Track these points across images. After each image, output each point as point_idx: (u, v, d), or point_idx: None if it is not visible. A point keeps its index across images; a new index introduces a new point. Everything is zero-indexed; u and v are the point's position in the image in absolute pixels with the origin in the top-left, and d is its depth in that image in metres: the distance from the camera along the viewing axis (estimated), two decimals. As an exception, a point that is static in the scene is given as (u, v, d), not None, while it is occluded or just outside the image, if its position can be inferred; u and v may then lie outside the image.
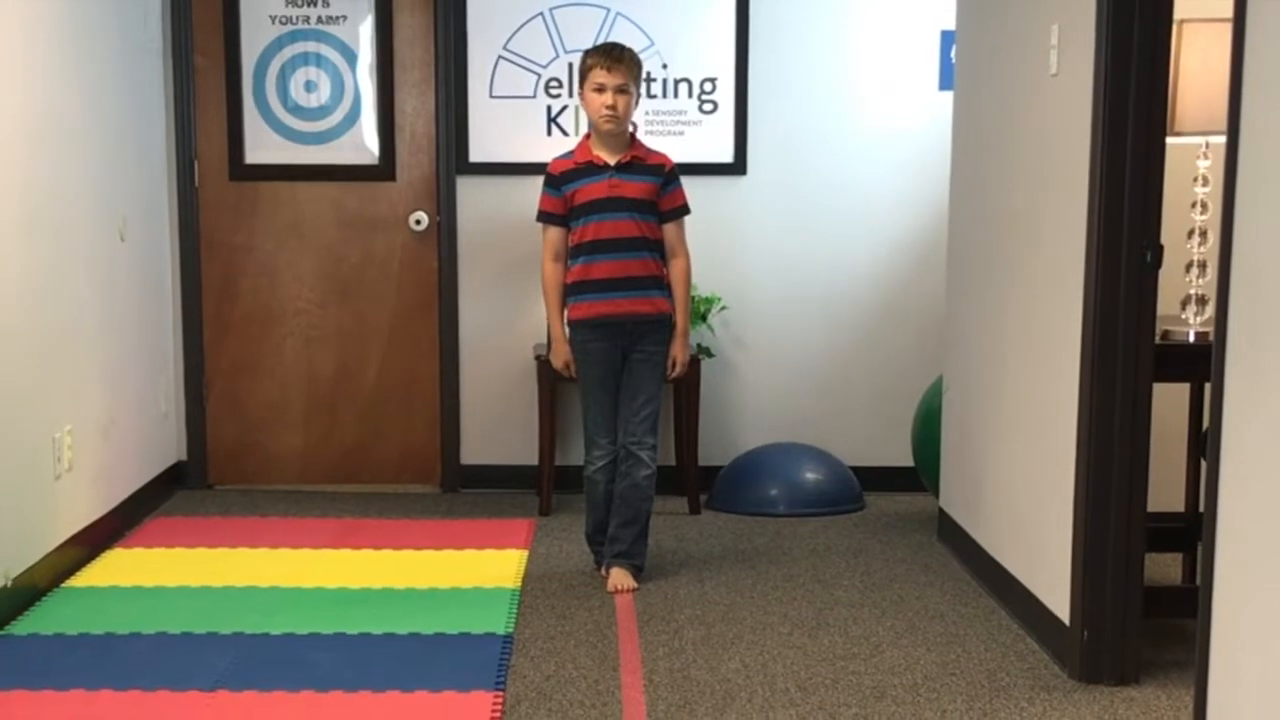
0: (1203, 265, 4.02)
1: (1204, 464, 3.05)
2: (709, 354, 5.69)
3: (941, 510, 5.18)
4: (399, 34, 5.76)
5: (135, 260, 5.37)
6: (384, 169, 5.82)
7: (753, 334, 5.88)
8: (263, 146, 5.79)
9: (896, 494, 5.82)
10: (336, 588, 4.51)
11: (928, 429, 5.36)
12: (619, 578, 4.54)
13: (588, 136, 4.55)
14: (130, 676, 3.68)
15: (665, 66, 5.71)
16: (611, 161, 4.47)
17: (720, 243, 5.71)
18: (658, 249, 4.52)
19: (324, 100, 5.79)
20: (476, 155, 5.75)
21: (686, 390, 5.51)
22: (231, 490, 5.92)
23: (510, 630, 4.11)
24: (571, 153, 4.56)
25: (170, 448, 5.83)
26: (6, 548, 4.13)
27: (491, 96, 5.73)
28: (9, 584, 4.13)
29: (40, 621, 4.14)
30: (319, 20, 5.74)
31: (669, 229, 4.54)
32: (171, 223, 5.78)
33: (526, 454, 5.77)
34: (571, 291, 4.53)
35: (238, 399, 5.93)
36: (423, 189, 5.83)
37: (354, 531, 5.22)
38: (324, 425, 5.96)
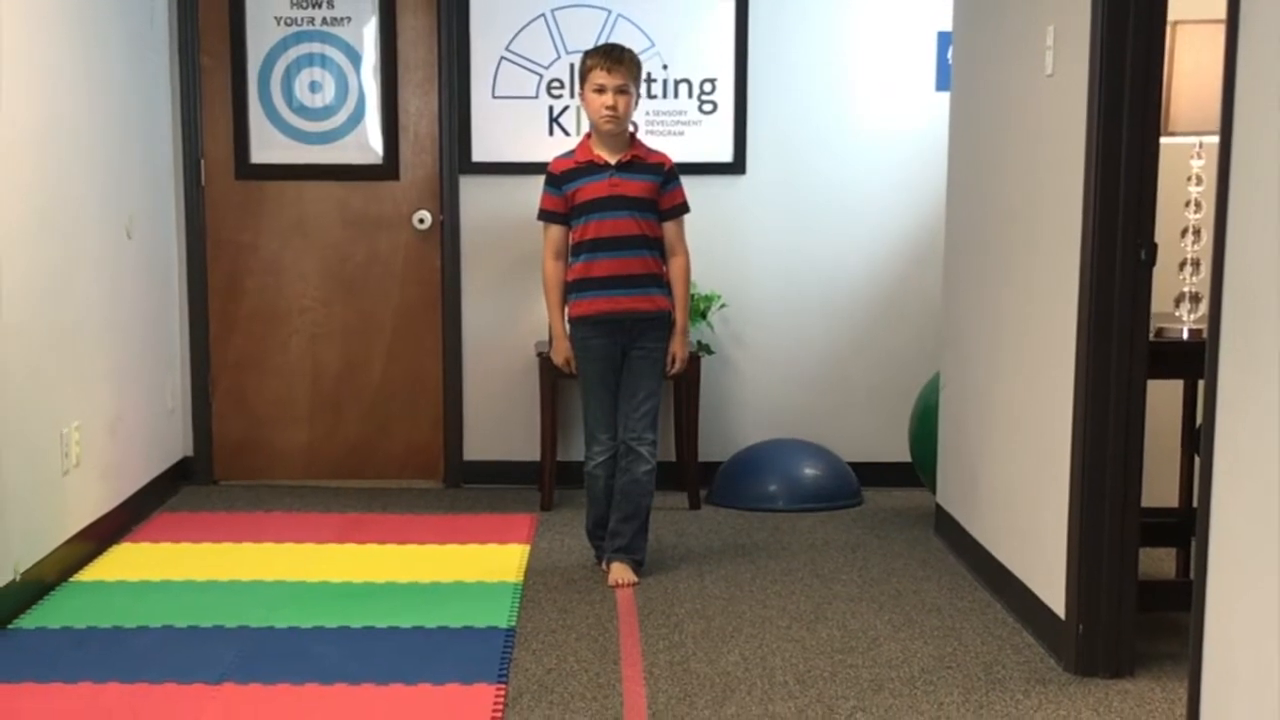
0: (1196, 263, 4.02)
1: (1198, 459, 3.03)
2: (709, 351, 5.69)
3: (938, 505, 5.18)
4: (403, 35, 5.76)
5: (142, 258, 5.37)
6: (388, 168, 5.83)
7: (752, 331, 5.89)
8: (268, 146, 5.81)
9: (894, 489, 5.83)
10: (341, 582, 4.52)
11: (925, 425, 5.37)
12: (619, 572, 4.55)
13: (588, 136, 4.56)
14: (137, 670, 3.69)
15: (665, 67, 5.72)
16: (612, 161, 4.48)
17: (719, 241, 5.72)
18: (657, 247, 4.52)
19: (329, 100, 5.80)
20: (479, 155, 5.76)
21: (686, 387, 5.52)
22: (237, 486, 5.92)
23: (512, 624, 4.12)
24: (572, 152, 4.57)
25: (177, 444, 5.84)
26: (15, 542, 4.14)
27: (494, 97, 5.74)
28: (18, 578, 4.14)
29: (48, 615, 4.14)
30: (324, 21, 5.75)
31: (669, 227, 4.54)
32: (178, 221, 5.79)
33: (528, 450, 5.78)
34: (572, 289, 4.53)
35: (243, 395, 5.94)
36: (426, 188, 5.85)
37: (358, 526, 5.23)
38: (328, 421, 5.97)
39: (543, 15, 5.71)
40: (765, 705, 3.53)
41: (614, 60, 4.43)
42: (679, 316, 4.58)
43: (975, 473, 4.71)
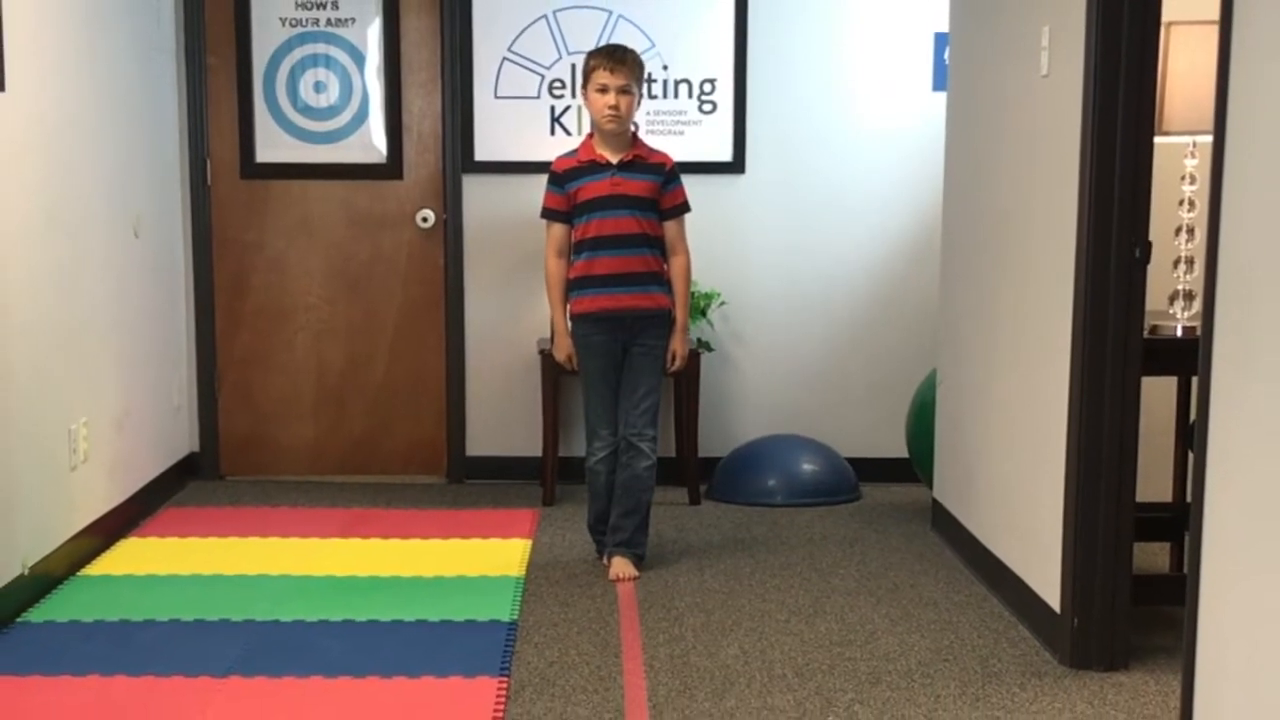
0: (1190, 261, 4.03)
1: (1191, 455, 3.03)
2: (708, 348, 5.69)
3: (935, 500, 5.18)
4: (406, 36, 5.78)
5: (149, 256, 5.38)
6: (391, 168, 5.84)
7: (751, 329, 5.90)
8: (273, 145, 5.82)
9: (891, 484, 5.83)
10: (345, 576, 4.53)
11: (922, 421, 5.37)
12: (620, 566, 4.57)
13: (591, 136, 4.57)
14: (144, 663, 3.70)
15: (666, 68, 5.72)
16: (614, 160, 4.49)
17: (719, 240, 5.72)
18: (658, 246, 4.53)
19: (333, 100, 5.81)
20: (482, 154, 5.77)
21: (687, 383, 5.52)
22: (243, 481, 5.93)
23: (515, 617, 4.12)
24: (575, 151, 4.58)
25: (183, 439, 5.85)
26: (24, 537, 4.15)
27: (496, 97, 5.75)
28: (27, 572, 4.15)
29: (57, 609, 4.15)
30: (328, 23, 5.77)
31: (669, 226, 4.55)
32: (184, 220, 5.79)
33: (530, 446, 5.79)
34: (574, 286, 4.54)
35: (249, 392, 5.95)
36: (429, 187, 5.86)
37: (362, 521, 5.23)
38: (333, 417, 5.98)
39: (544, 16, 5.73)
40: (764, 698, 3.53)
41: (617, 60, 4.44)
42: (679, 314, 4.58)
43: (971, 468, 4.72)
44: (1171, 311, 4.08)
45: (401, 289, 5.92)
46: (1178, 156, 4.13)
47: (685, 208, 4.60)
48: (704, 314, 5.69)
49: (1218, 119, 2.78)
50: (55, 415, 4.43)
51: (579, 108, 5.68)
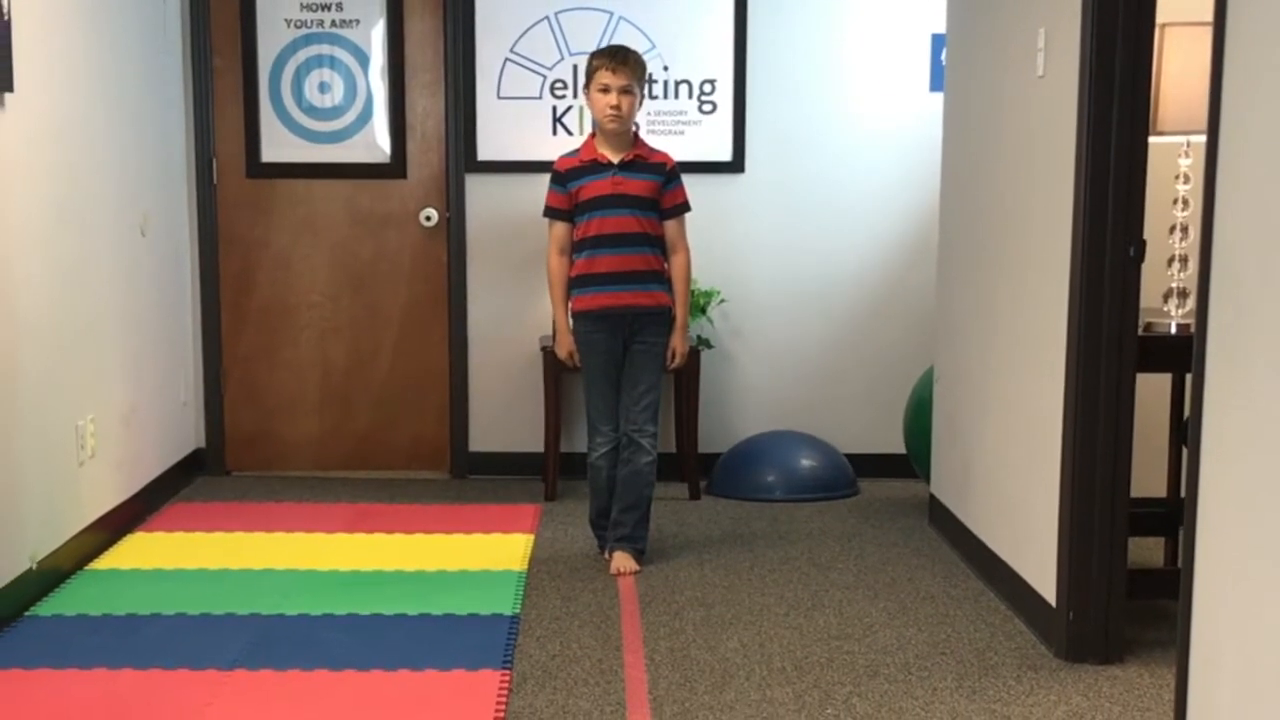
0: (1184, 260, 4.03)
1: (1185, 451, 3.04)
2: (708, 345, 5.71)
3: (932, 496, 5.19)
4: (410, 37, 5.79)
5: (156, 255, 5.40)
6: (395, 167, 5.85)
7: (751, 326, 5.91)
8: (278, 145, 5.83)
9: (889, 480, 5.84)
10: (350, 570, 4.54)
11: (919, 417, 5.38)
12: (621, 561, 4.58)
13: (593, 136, 4.59)
14: (151, 656, 3.71)
15: (666, 68, 5.74)
16: (615, 160, 4.51)
17: (719, 238, 5.74)
18: (658, 244, 4.55)
19: (338, 101, 5.83)
20: (484, 154, 5.78)
21: (687, 380, 5.53)
22: (248, 476, 5.95)
23: (517, 611, 4.14)
24: (577, 151, 4.60)
25: (189, 435, 5.87)
26: (32, 532, 4.17)
27: (499, 97, 5.77)
28: (35, 566, 4.17)
29: (64, 603, 4.17)
30: (333, 24, 5.79)
31: (670, 225, 4.57)
32: (191, 219, 5.81)
33: (532, 441, 5.80)
34: (575, 284, 4.56)
35: (254, 388, 5.97)
36: (433, 186, 5.89)
37: (366, 516, 5.24)
38: (337, 414, 6.00)
39: (546, 18, 5.74)
40: (763, 690, 3.55)
41: (618, 61, 4.46)
42: (679, 312, 4.60)
43: (968, 464, 4.73)
44: (1166, 309, 4.09)
45: (405, 287, 5.94)
46: (1172, 156, 4.13)
47: (685, 207, 4.61)
48: (704, 312, 5.70)
49: (1211, 119, 2.79)
50: (63, 411, 4.44)
51: (581, 108, 5.69)
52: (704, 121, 5.80)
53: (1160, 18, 3.73)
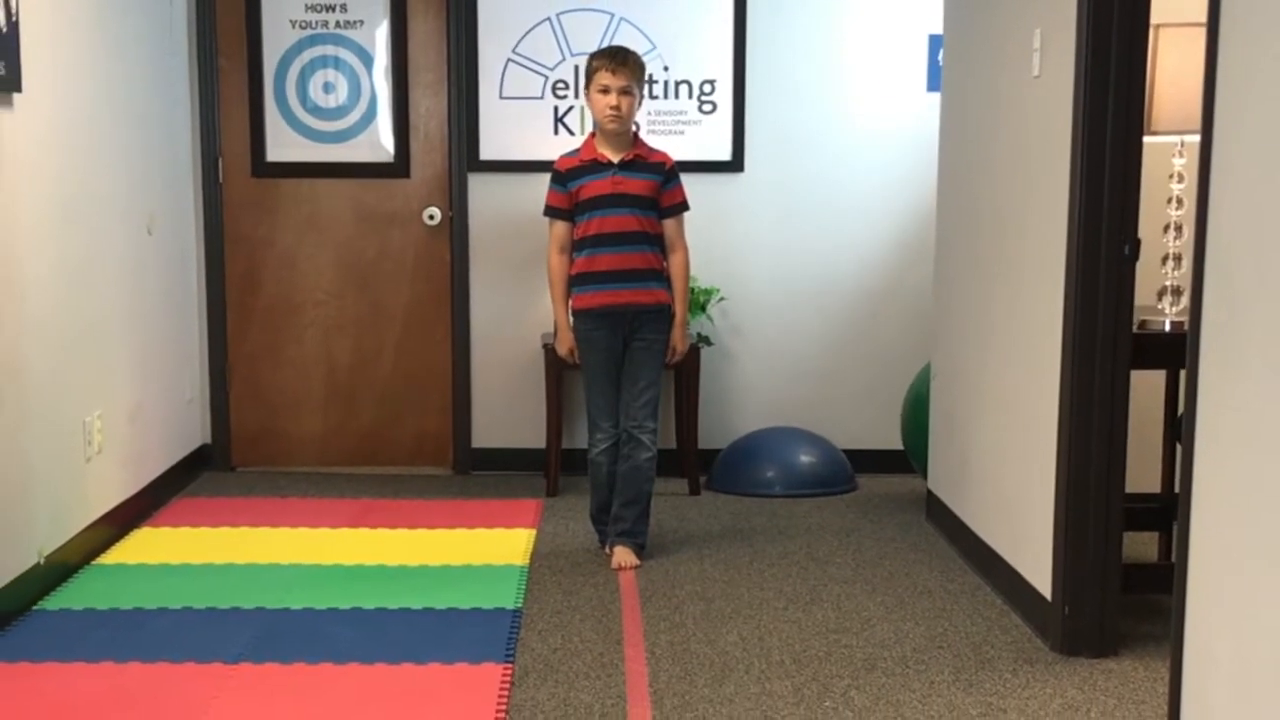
0: (1178, 258, 4.06)
1: (1179, 447, 3.05)
2: (708, 342, 5.73)
3: (929, 491, 5.20)
4: (413, 38, 5.81)
5: (162, 253, 5.42)
6: (399, 166, 5.87)
7: (750, 323, 5.93)
8: (283, 145, 5.85)
9: (887, 475, 5.85)
10: (354, 565, 4.55)
11: (917, 414, 5.40)
12: (622, 555, 4.60)
13: (593, 135, 4.60)
14: (157, 649, 3.73)
15: (666, 69, 5.75)
16: (615, 159, 4.53)
17: (719, 237, 5.76)
18: (658, 243, 4.57)
19: (342, 101, 5.85)
20: (487, 153, 5.80)
21: (687, 376, 5.55)
22: (253, 472, 5.96)
23: (519, 605, 4.15)
24: (577, 151, 4.62)
25: (195, 432, 5.89)
26: (40, 527, 4.19)
27: (501, 97, 5.79)
28: (43, 561, 4.18)
29: (72, 597, 4.18)
30: (337, 25, 5.81)
31: (669, 224, 4.58)
32: (197, 218, 5.83)
33: (534, 438, 5.82)
34: (575, 282, 4.58)
35: (259, 385, 5.99)
36: (436, 185, 5.90)
37: (370, 512, 5.25)
38: (342, 410, 6.02)
39: (548, 19, 5.76)
40: (763, 684, 3.56)
41: (618, 62, 4.48)
42: (678, 309, 4.61)
43: (965, 460, 4.74)
44: (1160, 307, 4.10)
45: (408, 285, 5.96)
46: (1166, 156, 4.15)
47: (684, 206, 4.63)
48: (703, 309, 5.72)
49: (1205, 119, 2.80)
50: (71, 408, 4.46)
51: (581, 108, 5.70)
52: (704, 121, 5.81)
53: (1154, 18, 3.74)
